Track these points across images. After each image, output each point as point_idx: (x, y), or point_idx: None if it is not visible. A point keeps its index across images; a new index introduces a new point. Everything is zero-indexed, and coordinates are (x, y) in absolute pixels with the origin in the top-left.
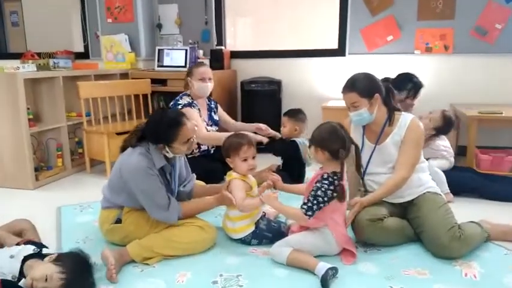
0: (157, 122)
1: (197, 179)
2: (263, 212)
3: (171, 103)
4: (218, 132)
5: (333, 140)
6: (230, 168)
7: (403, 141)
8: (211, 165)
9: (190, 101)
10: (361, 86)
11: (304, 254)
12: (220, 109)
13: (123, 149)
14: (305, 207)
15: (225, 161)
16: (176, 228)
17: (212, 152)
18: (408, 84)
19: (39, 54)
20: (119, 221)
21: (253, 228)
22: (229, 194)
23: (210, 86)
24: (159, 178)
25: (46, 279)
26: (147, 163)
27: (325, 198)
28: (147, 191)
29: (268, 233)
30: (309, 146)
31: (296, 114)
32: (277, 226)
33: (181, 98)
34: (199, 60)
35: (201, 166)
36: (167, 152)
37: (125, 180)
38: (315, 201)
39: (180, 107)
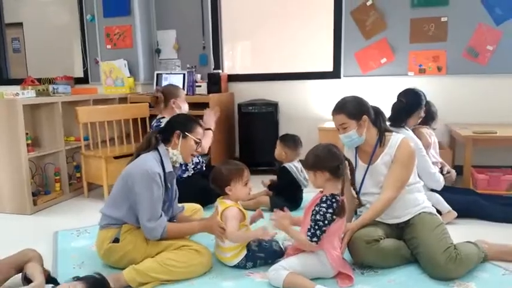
0: (180, 115)
1: (194, 199)
2: None
3: (154, 126)
4: None
5: (331, 158)
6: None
7: (392, 162)
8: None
9: None
10: (349, 108)
11: (301, 277)
12: None
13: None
14: (309, 234)
15: None
16: (172, 252)
17: (204, 169)
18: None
19: (39, 80)
20: (116, 240)
21: (245, 252)
22: (222, 223)
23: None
24: (162, 190)
25: None
26: (158, 170)
27: (326, 222)
28: (149, 196)
29: (260, 253)
30: (307, 171)
31: (286, 139)
32: (269, 245)
33: (160, 121)
34: (196, 84)
35: (198, 185)
36: (176, 149)
37: (131, 184)
38: (316, 226)
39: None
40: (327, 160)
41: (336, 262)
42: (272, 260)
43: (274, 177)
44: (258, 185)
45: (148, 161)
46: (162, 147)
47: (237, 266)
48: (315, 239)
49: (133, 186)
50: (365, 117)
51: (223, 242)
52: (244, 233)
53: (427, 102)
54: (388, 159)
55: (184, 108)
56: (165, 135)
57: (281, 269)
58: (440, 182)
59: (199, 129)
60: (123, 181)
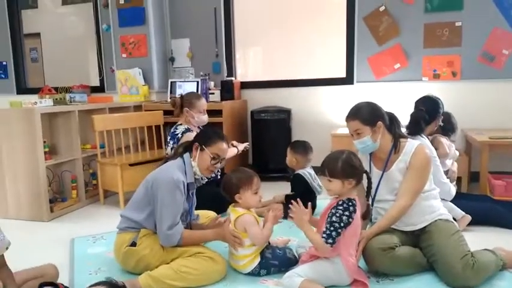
0: (208, 128)
1: (207, 207)
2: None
3: (169, 137)
4: None
5: (361, 167)
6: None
7: (408, 168)
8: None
9: (187, 127)
10: (363, 114)
11: (316, 284)
12: None
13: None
14: (325, 235)
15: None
16: (186, 259)
17: (219, 177)
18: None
19: (56, 89)
20: (133, 244)
21: (259, 259)
22: (237, 233)
23: (206, 117)
24: (184, 199)
25: None
26: (183, 178)
27: (341, 224)
28: (172, 203)
29: (274, 260)
30: (330, 179)
31: (296, 146)
32: (283, 253)
33: (176, 128)
34: (210, 92)
35: (211, 193)
36: (195, 161)
37: (155, 189)
38: (332, 228)
39: (180, 135)
40: (358, 168)
41: (352, 269)
42: (286, 268)
43: (288, 191)
44: (270, 193)
45: (174, 168)
46: (187, 157)
47: (251, 274)
48: (330, 240)
49: (157, 192)
50: (380, 123)
51: (237, 250)
52: (264, 231)
53: (448, 113)
54: (403, 166)
55: (202, 119)
56: (190, 146)
57: (295, 276)
58: (451, 193)
59: (220, 145)
60: (147, 186)
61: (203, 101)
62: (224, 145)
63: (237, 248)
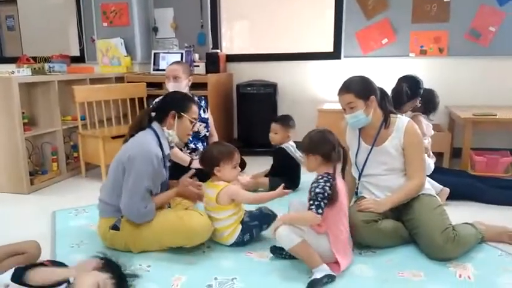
0: (175, 94)
1: None
2: None
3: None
4: (183, 154)
5: (324, 144)
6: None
7: (406, 147)
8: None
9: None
10: (357, 88)
11: (313, 250)
12: (210, 118)
13: (129, 137)
14: (313, 207)
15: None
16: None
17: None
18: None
19: (34, 59)
20: (115, 227)
21: (240, 227)
22: (196, 190)
23: (172, 85)
24: (160, 171)
25: (99, 287)
26: (159, 151)
27: (326, 194)
28: (143, 176)
29: (253, 221)
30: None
31: (288, 121)
32: (259, 212)
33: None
34: (194, 64)
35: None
36: (172, 129)
37: (130, 164)
38: (318, 198)
39: (153, 103)
40: (319, 145)
41: (338, 247)
42: (266, 224)
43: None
44: (255, 167)
45: (150, 141)
46: (157, 127)
47: (236, 244)
48: (320, 210)
49: (133, 164)
50: (373, 97)
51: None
52: (263, 194)
53: (432, 92)
54: (397, 142)
55: (168, 87)
56: (160, 114)
57: (294, 234)
58: (430, 167)
59: (195, 108)
60: (121, 165)
61: (169, 67)
62: (196, 107)
63: (214, 221)
